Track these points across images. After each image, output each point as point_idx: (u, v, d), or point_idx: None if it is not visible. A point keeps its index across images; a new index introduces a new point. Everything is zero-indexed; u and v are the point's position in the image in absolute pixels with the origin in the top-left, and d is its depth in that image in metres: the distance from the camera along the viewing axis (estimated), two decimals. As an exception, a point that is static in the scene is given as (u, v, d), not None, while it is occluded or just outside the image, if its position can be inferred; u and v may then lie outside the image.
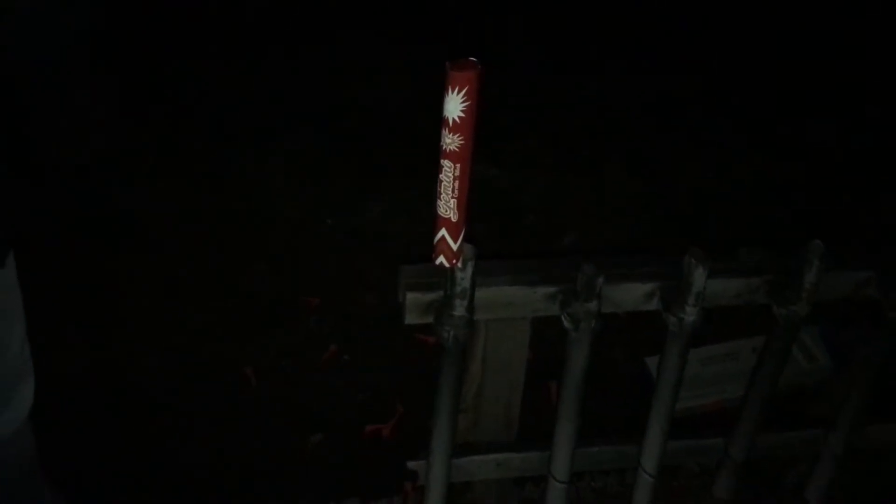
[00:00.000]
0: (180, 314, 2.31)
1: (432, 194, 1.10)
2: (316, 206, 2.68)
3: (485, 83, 1.00)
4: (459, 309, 1.22)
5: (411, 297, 1.30)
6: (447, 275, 1.20)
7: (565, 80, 3.19)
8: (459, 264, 1.15)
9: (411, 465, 1.56)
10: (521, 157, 2.89)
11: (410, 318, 1.31)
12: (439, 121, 1.03)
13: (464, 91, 0.98)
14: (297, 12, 3.36)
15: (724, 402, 2.17)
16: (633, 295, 1.33)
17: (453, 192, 1.07)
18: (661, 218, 2.73)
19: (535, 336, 1.49)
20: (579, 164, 2.90)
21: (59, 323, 2.14)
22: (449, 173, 1.05)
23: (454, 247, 1.12)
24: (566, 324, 1.29)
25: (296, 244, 2.56)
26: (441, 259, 1.14)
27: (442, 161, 1.05)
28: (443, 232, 1.11)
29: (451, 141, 1.03)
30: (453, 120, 1.01)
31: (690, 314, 1.28)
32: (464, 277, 1.18)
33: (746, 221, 2.72)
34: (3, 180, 1.32)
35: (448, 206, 1.08)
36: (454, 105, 0.99)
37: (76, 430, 1.94)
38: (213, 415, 2.07)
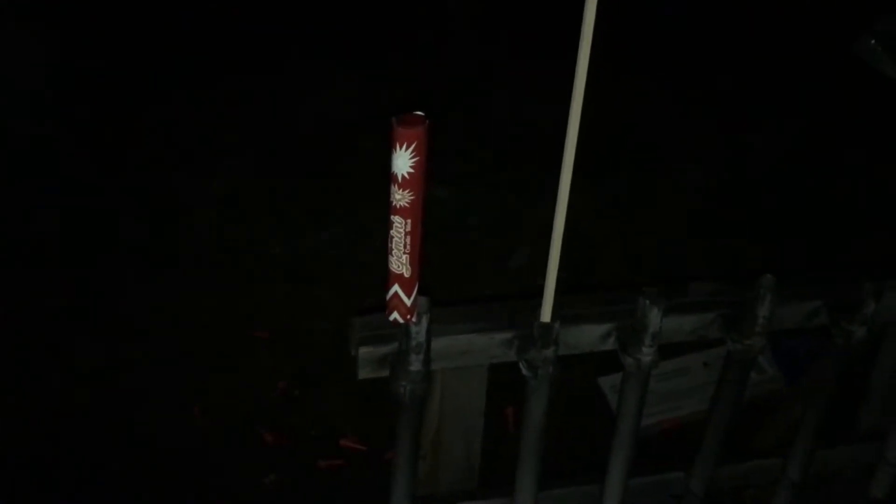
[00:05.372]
0: (128, 352, 2.25)
1: (382, 219, 1.06)
2: (262, 235, 2.63)
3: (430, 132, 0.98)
4: (415, 363, 1.19)
5: (364, 352, 1.26)
6: (401, 329, 1.17)
7: (510, 97, 3.18)
8: (414, 319, 1.13)
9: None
10: (467, 175, 2.87)
11: (364, 373, 1.28)
12: (385, 143, 0.98)
13: (412, 147, 0.96)
14: (241, 39, 3.32)
15: (680, 420, 2.18)
16: (588, 337, 1.31)
17: (405, 247, 1.04)
18: (608, 234, 2.73)
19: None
20: (527, 181, 2.89)
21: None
22: (400, 229, 1.03)
23: (408, 302, 1.10)
24: (524, 371, 1.27)
25: (242, 275, 2.51)
26: (395, 315, 1.11)
27: (392, 217, 1.02)
28: (396, 288, 1.09)
29: (400, 197, 1.00)
30: (402, 176, 0.98)
31: (647, 354, 1.27)
32: (419, 332, 1.16)
33: (693, 241, 2.74)
34: None
35: (400, 261, 1.06)
36: (403, 161, 0.97)
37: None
38: (161, 457, 2.01)
